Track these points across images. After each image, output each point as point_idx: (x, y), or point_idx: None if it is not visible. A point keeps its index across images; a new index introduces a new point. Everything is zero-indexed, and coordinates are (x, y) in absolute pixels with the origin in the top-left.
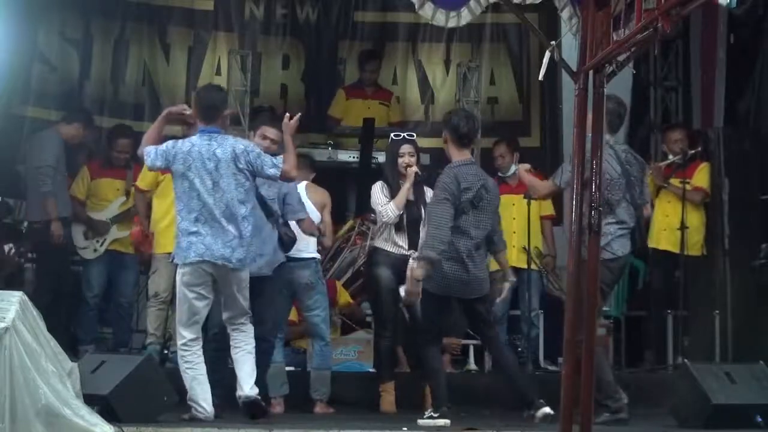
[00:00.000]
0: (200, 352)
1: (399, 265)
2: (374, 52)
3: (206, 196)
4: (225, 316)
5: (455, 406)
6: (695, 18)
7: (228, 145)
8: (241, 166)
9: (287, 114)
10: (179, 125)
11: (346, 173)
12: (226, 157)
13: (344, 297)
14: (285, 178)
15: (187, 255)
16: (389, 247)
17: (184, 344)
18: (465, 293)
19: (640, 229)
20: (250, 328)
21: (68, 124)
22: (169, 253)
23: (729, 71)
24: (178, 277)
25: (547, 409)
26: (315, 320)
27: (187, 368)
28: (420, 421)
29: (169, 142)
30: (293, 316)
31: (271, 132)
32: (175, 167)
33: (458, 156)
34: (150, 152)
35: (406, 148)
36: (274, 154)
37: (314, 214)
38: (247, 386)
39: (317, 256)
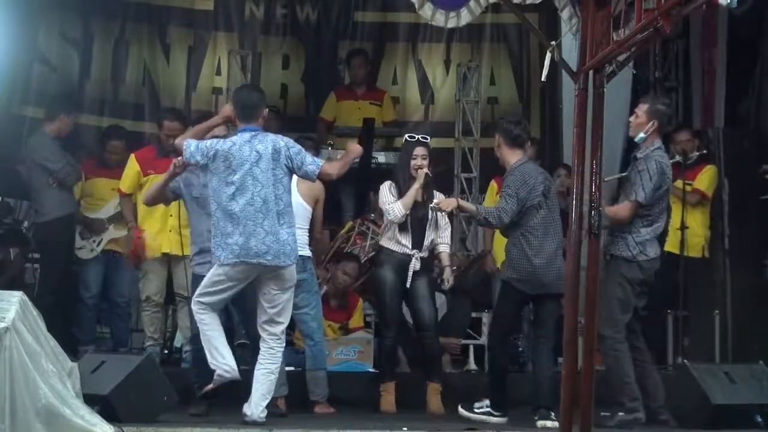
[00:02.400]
0: (216, 313)
1: (402, 264)
2: (360, 49)
3: (243, 193)
4: (260, 319)
5: (455, 406)
6: (695, 18)
7: (269, 141)
8: (282, 161)
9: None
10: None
11: (346, 173)
12: (267, 152)
13: (357, 320)
14: (323, 177)
15: (222, 256)
16: (393, 246)
17: (202, 306)
18: (538, 289)
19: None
20: (280, 345)
21: (51, 121)
22: (164, 254)
23: (729, 71)
24: (216, 269)
25: (548, 423)
26: (304, 318)
27: (206, 329)
28: (468, 414)
29: (212, 140)
30: None
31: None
32: (215, 165)
33: (513, 157)
34: (190, 145)
35: (419, 151)
36: None
37: (301, 208)
38: (257, 410)
39: (308, 253)
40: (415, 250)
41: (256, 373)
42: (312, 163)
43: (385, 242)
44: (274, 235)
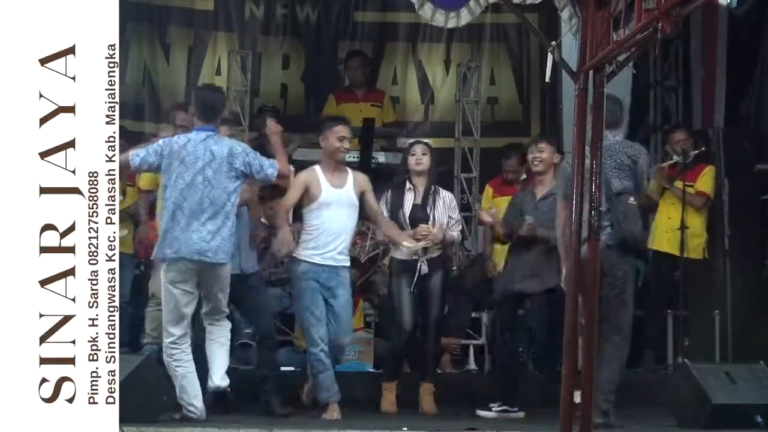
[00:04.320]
0: (189, 350)
1: (410, 268)
2: (357, 51)
3: (192, 191)
4: (204, 310)
5: (455, 406)
6: (695, 18)
7: (225, 144)
8: (237, 165)
9: (270, 120)
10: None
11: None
12: (222, 154)
13: (357, 320)
14: (281, 176)
15: (164, 252)
16: (397, 254)
17: (173, 342)
18: None
19: (618, 222)
20: (226, 324)
21: None
22: None
23: (729, 71)
24: (162, 274)
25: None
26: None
27: (176, 366)
28: (487, 414)
29: (165, 139)
30: None
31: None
32: (167, 161)
33: None
34: (138, 153)
35: (418, 147)
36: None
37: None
38: (217, 376)
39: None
40: (422, 251)
41: (208, 348)
42: (270, 166)
43: (393, 252)
44: (216, 234)
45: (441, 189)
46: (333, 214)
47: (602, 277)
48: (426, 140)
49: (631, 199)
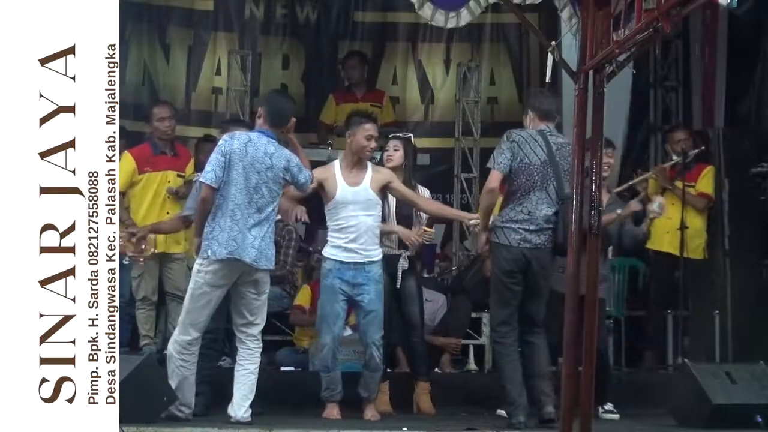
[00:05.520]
0: (197, 353)
1: (391, 264)
2: (355, 51)
3: (245, 193)
4: (237, 322)
5: (455, 406)
6: (695, 18)
7: (284, 155)
8: (287, 177)
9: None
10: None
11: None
12: (279, 164)
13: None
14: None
15: (219, 250)
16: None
17: (189, 342)
18: None
19: (565, 227)
20: (257, 347)
21: None
22: (158, 253)
23: (729, 71)
24: (198, 275)
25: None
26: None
27: (181, 365)
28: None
29: (224, 138)
30: (305, 302)
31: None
32: (228, 158)
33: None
34: (206, 173)
35: (391, 143)
36: None
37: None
38: (240, 410)
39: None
40: (402, 250)
41: (236, 374)
42: (307, 176)
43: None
44: (261, 239)
45: (420, 186)
46: (351, 212)
47: (533, 274)
48: (404, 134)
49: None
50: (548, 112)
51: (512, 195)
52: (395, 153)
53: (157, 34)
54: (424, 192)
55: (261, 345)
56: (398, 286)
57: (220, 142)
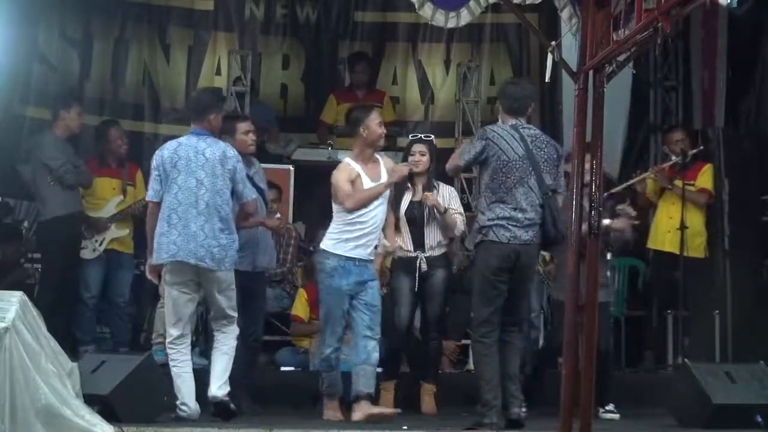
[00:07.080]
0: (186, 350)
1: (409, 267)
2: (363, 54)
3: (186, 193)
4: (210, 315)
5: (455, 406)
6: (695, 18)
7: (219, 147)
8: (228, 167)
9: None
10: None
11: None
12: (214, 156)
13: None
14: (245, 212)
15: (160, 255)
16: (399, 253)
17: (170, 342)
18: None
19: (553, 219)
20: (232, 330)
21: (55, 121)
22: None
23: (729, 71)
24: (163, 275)
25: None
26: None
27: (172, 365)
28: None
29: (155, 155)
30: (303, 313)
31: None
32: (163, 170)
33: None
34: (150, 189)
35: (417, 147)
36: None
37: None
38: (215, 386)
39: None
40: (418, 251)
41: (213, 354)
42: (250, 192)
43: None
44: (214, 238)
45: (441, 184)
46: (372, 208)
47: (519, 271)
48: (425, 137)
49: (560, 200)
50: (516, 108)
51: (495, 193)
52: (422, 158)
53: (157, 34)
54: (448, 190)
55: (237, 329)
56: (416, 289)
57: (153, 157)
